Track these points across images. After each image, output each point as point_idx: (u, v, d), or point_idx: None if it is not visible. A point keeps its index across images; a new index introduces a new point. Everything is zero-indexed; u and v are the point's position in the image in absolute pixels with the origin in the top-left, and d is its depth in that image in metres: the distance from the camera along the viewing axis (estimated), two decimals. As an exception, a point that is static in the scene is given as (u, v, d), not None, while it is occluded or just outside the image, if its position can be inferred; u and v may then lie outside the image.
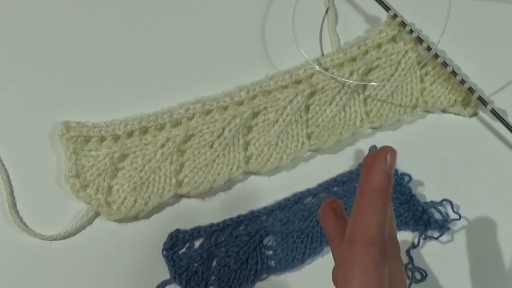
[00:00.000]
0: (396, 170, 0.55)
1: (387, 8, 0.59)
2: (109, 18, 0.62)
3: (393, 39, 0.60)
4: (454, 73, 0.58)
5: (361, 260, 0.36)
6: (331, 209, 0.42)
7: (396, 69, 0.59)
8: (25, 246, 0.54)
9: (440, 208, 0.55)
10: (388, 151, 0.37)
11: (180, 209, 0.56)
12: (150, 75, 0.60)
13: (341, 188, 0.55)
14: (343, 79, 0.58)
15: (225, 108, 0.57)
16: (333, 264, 0.54)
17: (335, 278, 0.40)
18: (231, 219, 0.54)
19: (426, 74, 0.60)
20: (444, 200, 0.55)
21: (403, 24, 0.59)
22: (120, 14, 0.63)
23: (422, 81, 0.60)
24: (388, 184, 0.36)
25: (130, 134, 0.56)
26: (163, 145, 0.55)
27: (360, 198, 0.37)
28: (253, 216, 0.54)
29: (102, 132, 0.55)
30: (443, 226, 0.54)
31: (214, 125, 0.56)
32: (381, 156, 0.37)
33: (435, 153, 0.58)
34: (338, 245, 0.40)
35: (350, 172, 0.56)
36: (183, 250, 0.53)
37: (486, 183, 0.57)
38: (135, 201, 0.54)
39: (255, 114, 0.57)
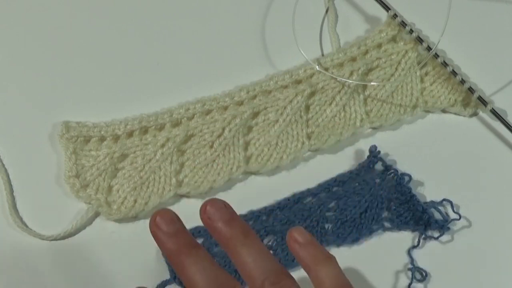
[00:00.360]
0: (396, 170, 0.56)
1: (387, 8, 0.59)
2: (109, 18, 0.62)
3: (393, 39, 0.60)
4: (454, 73, 0.58)
5: None
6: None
7: (396, 69, 0.59)
8: (25, 246, 0.54)
9: (440, 208, 0.55)
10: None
11: (180, 209, 0.56)
12: (150, 75, 0.60)
13: (341, 188, 0.55)
14: (343, 79, 0.58)
15: (225, 108, 0.57)
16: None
17: None
18: (231, 219, 0.54)
19: (426, 74, 0.60)
20: (444, 200, 0.55)
21: (403, 24, 0.59)
22: (120, 14, 0.63)
23: (422, 81, 0.60)
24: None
25: (130, 134, 0.56)
26: (163, 145, 0.55)
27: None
28: (253, 216, 0.54)
29: (102, 132, 0.55)
30: (443, 226, 0.54)
31: (214, 125, 0.56)
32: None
33: (435, 153, 0.58)
34: None
35: (350, 172, 0.56)
36: (183, 250, 0.53)
37: (486, 183, 0.57)
38: (135, 201, 0.54)
39: (255, 114, 0.57)
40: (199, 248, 0.38)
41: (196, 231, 0.54)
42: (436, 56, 0.59)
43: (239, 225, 0.40)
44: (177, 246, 0.38)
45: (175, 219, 0.39)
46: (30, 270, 0.53)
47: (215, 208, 0.39)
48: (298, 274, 0.54)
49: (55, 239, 0.54)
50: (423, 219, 0.54)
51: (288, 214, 0.54)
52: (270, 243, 0.54)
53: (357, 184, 0.55)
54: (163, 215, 0.38)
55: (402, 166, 0.56)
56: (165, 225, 0.38)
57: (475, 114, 0.59)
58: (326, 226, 0.54)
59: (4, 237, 0.54)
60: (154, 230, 0.38)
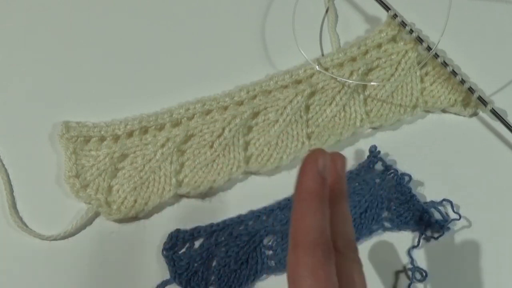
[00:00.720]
0: (396, 170, 0.56)
1: (387, 8, 0.59)
2: (109, 18, 0.62)
3: (393, 39, 0.60)
4: (454, 73, 0.58)
5: (306, 262, 0.36)
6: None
7: (396, 69, 0.59)
8: (25, 246, 0.54)
9: (440, 208, 0.55)
10: (319, 154, 0.37)
11: (180, 209, 0.56)
12: (150, 75, 0.60)
13: (341, 188, 0.55)
14: (343, 79, 0.58)
15: (225, 108, 0.57)
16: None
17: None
18: (231, 219, 0.54)
19: (426, 74, 0.60)
20: (444, 200, 0.55)
21: (403, 24, 0.59)
22: (120, 14, 0.63)
23: (422, 81, 0.60)
24: (322, 185, 0.37)
25: (130, 134, 0.56)
26: (163, 145, 0.55)
27: (296, 203, 0.37)
28: (253, 216, 0.54)
29: (102, 132, 0.55)
30: (443, 226, 0.54)
31: (214, 125, 0.56)
32: (311, 159, 0.37)
33: (435, 153, 0.58)
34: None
35: (350, 172, 0.56)
36: (183, 250, 0.53)
37: (486, 183, 0.57)
38: (135, 201, 0.54)
39: (255, 114, 0.57)
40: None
41: (196, 231, 0.54)
42: (436, 56, 0.59)
43: None
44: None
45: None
46: (30, 270, 0.53)
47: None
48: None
49: (55, 239, 0.54)
50: (423, 219, 0.54)
51: (288, 214, 0.54)
52: (270, 243, 0.54)
53: (357, 184, 0.55)
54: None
55: (402, 166, 0.56)
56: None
57: (475, 114, 0.59)
58: (326, 226, 0.54)
59: (4, 237, 0.54)
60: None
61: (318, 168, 0.37)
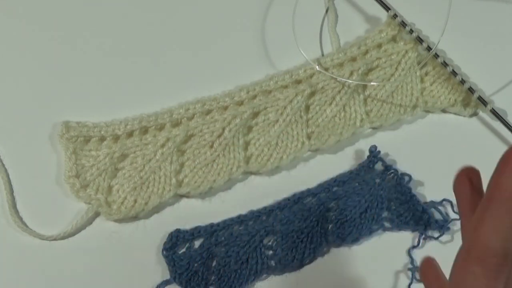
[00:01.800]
0: (396, 170, 0.56)
1: (387, 8, 0.59)
2: (109, 18, 0.62)
3: (393, 39, 0.60)
4: (454, 73, 0.58)
5: (475, 272, 0.33)
6: (468, 179, 0.38)
7: (396, 69, 0.59)
8: (25, 246, 0.54)
9: (440, 208, 0.55)
10: None
11: (180, 209, 0.56)
12: (150, 75, 0.60)
13: (341, 188, 0.55)
14: (343, 79, 0.58)
15: (225, 108, 0.57)
16: (333, 264, 0.54)
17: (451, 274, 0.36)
18: (231, 219, 0.54)
19: (426, 74, 0.60)
20: (444, 200, 0.55)
21: (403, 24, 0.59)
22: (120, 14, 0.63)
23: (422, 81, 0.60)
24: None
25: (130, 134, 0.56)
26: (163, 145, 0.55)
27: (487, 202, 0.33)
28: (253, 216, 0.54)
29: (102, 132, 0.55)
30: (443, 226, 0.54)
31: (214, 125, 0.56)
32: None
33: (435, 153, 0.58)
34: (469, 219, 0.36)
35: (350, 172, 0.56)
36: (183, 250, 0.53)
37: (486, 183, 0.57)
38: (135, 201, 0.54)
39: (255, 114, 0.57)
40: None
41: (196, 231, 0.54)
42: (436, 56, 0.59)
43: None
44: None
45: None
46: (30, 270, 0.53)
47: None
48: (302, 272, 0.54)
49: (55, 239, 0.54)
50: (423, 219, 0.54)
51: (288, 214, 0.54)
52: (270, 243, 0.54)
53: (357, 184, 0.55)
54: None
55: (402, 166, 0.56)
56: None
57: (475, 114, 0.59)
58: (326, 226, 0.54)
59: (4, 237, 0.54)
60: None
61: None
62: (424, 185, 0.56)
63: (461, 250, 0.34)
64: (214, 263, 0.53)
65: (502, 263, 0.32)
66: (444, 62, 0.59)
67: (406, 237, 0.55)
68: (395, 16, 0.59)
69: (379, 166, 0.56)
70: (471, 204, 0.37)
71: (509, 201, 0.32)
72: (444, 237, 0.54)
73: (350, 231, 0.54)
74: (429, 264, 0.41)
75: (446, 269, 0.54)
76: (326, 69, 0.58)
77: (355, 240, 0.54)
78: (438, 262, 0.53)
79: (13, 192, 0.55)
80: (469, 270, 0.33)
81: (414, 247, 0.54)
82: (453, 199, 0.55)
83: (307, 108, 0.58)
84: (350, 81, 0.58)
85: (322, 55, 0.61)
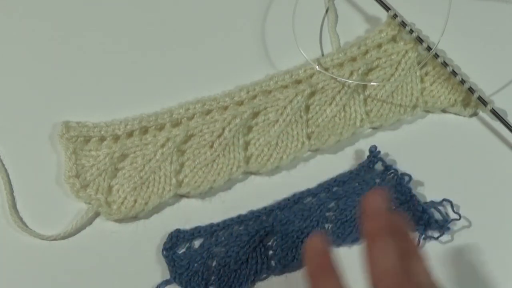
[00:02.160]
0: (396, 170, 0.56)
1: (387, 8, 0.59)
2: (109, 19, 0.62)
3: (393, 39, 0.60)
4: (454, 73, 0.58)
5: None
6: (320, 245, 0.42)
7: (396, 69, 0.59)
8: (25, 246, 0.54)
9: (440, 208, 0.55)
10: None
11: (180, 209, 0.56)
12: (150, 75, 0.60)
13: (341, 188, 0.55)
14: (343, 79, 0.58)
15: (225, 108, 0.57)
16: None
17: None
18: (231, 219, 0.54)
19: (426, 74, 0.60)
20: (444, 200, 0.55)
21: (403, 24, 0.59)
22: (120, 14, 0.63)
23: (422, 81, 0.60)
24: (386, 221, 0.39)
25: (130, 134, 0.56)
26: (163, 145, 0.55)
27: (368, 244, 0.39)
28: (253, 216, 0.54)
29: (102, 132, 0.55)
30: (443, 226, 0.54)
31: (214, 125, 0.56)
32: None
33: (435, 153, 0.58)
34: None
35: (350, 172, 0.56)
36: (183, 250, 0.53)
37: (486, 183, 0.57)
38: (135, 201, 0.54)
39: (255, 114, 0.57)
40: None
41: (196, 231, 0.54)
42: (436, 56, 0.59)
43: None
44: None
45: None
46: (30, 270, 0.53)
47: None
48: (299, 275, 0.54)
49: (55, 239, 0.54)
50: (423, 219, 0.54)
51: (288, 214, 0.54)
52: (270, 243, 0.54)
53: (357, 184, 0.55)
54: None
55: (402, 166, 0.56)
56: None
57: (475, 114, 0.59)
58: (326, 226, 0.54)
59: (4, 237, 0.54)
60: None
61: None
62: (424, 185, 0.56)
63: None
64: (214, 263, 0.53)
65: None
66: (444, 62, 0.59)
67: (406, 237, 0.55)
68: (395, 16, 0.59)
69: (379, 166, 0.56)
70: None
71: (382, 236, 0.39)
72: (444, 237, 0.54)
73: (350, 231, 0.54)
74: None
75: (447, 269, 0.54)
76: (326, 69, 0.58)
77: (355, 240, 0.54)
78: (438, 262, 0.52)
79: (13, 192, 0.55)
80: None
81: (414, 247, 0.54)
82: (453, 199, 0.55)
83: (307, 108, 0.58)
84: (350, 81, 0.58)
85: (322, 55, 0.61)
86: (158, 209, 0.55)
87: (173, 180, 0.55)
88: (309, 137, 0.57)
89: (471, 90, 0.58)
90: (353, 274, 0.54)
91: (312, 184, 0.56)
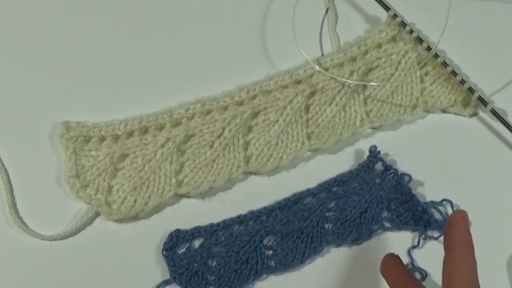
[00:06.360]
0: (396, 170, 0.56)
1: (387, 8, 0.59)
2: (109, 18, 0.62)
3: (393, 39, 0.60)
4: (454, 73, 0.58)
5: None
6: (396, 262, 0.47)
7: (396, 69, 0.59)
8: (25, 246, 0.54)
9: (440, 208, 0.55)
10: (464, 214, 0.46)
11: (180, 209, 0.56)
12: (150, 75, 0.60)
13: (341, 188, 0.55)
14: (343, 79, 0.58)
15: (225, 108, 0.57)
16: (333, 264, 0.54)
17: None
18: (231, 219, 0.54)
19: (426, 74, 0.60)
20: (444, 200, 0.55)
21: (403, 24, 0.59)
22: (120, 14, 0.63)
23: (422, 81, 0.60)
24: (471, 238, 0.44)
25: (130, 134, 0.56)
26: (163, 145, 0.55)
27: (450, 251, 0.43)
28: (253, 216, 0.54)
29: (102, 132, 0.55)
30: (443, 226, 0.54)
31: (214, 125, 0.56)
32: (460, 217, 0.45)
33: (435, 153, 0.58)
34: None
35: (350, 172, 0.56)
36: (183, 250, 0.54)
37: (486, 183, 0.57)
38: (135, 201, 0.54)
39: (255, 114, 0.57)
40: None
41: (196, 231, 0.54)
42: (436, 56, 0.59)
43: None
44: None
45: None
46: (30, 270, 0.53)
47: None
48: (302, 272, 0.54)
49: (55, 239, 0.54)
50: (423, 219, 0.54)
51: (288, 214, 0.54)
52: (270, 243, 0.54)
53: (357, 184, 0.55)
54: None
55: (402, 166, 0.56)
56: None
57: (475, 114, 0.59)
58: (326, 226, 0.54)
59: (4, 237, 0.54)
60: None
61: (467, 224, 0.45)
62: (424, 185, 0.56)
63: None
64: (214, 263, 0.53)
65: None
66: (444, 62, 0.59)
67: (406, 237, 0.55)
68: (395, 16, 0.59)
69: (379, 166, 0.56)
70: (401, 280, 0.46)
71: (465, 246, 0.44)
72: (444, 237, 0.54)
73: (350, 231, 0.54)
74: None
75: (446, 269, 0.54)
76: (326, 69, 0.58)
77: (355, 240, 0.54)
78: (438, 262, 0.52)
79: (13, 192, 0.55)
80: None
81: (414, 247, 0.54)
82: (453, 199, 0.55)
83: (307, 108, 0.58)
84: (350, 81, 0.58)
85: (322, 55, 0.61)
86: (158, 209, 0.55)
87: (173, 180, 0.55)
88: (309, 137, 0.57)
89: (471, 90, 0.58)
90: (354, 274, 0.54)
91: (312, 184, 0.56)
